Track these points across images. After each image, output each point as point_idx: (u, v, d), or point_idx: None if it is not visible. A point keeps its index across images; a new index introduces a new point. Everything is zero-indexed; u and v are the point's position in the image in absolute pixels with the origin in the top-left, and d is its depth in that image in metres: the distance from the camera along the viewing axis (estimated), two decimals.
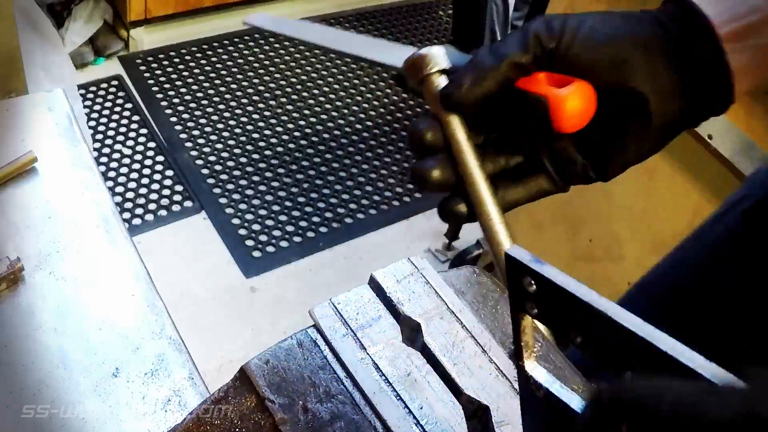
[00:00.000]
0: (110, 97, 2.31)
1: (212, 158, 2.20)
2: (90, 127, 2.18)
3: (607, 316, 0.30)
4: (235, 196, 2.11)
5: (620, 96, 0.45)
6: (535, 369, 0.37)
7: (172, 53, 2.50)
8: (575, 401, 0.34)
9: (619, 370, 0.30)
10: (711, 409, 0.22)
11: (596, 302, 0.31)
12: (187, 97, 2.37)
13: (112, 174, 2.09)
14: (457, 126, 0.47)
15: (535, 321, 0.36)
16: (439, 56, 0.48)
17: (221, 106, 2.37)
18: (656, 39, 0.45)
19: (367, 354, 0.53)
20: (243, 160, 2.22)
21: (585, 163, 0.47)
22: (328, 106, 2.47)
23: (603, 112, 0.46)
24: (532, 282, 0.34)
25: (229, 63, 2.52)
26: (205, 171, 2.16)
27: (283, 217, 2.09)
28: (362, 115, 2.47)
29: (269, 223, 2.07)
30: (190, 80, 2.43)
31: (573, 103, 0.45)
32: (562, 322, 0.33)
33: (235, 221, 2.05)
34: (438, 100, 0.47)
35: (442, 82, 0.48)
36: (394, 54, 0.52)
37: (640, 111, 0.46)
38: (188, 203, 2.06)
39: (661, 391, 0.23)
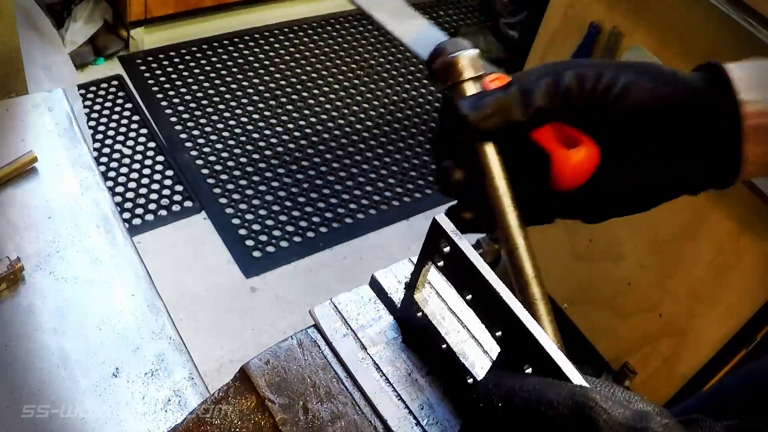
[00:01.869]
0: (110, 97, 2.31)
1: (212, 158, 2.20)
2: (90, 127, 2.18)
3: (492, 287, 0.42)
4: (235, 196, 2.11)
5: (627, 158, 0.45)
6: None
7: (172, 53, 2.50)
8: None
9: (492, 329, 0.43)
10: (549, 394, 0.35)
11: (488, 275, 0.43)
12: (187, 97, 2.37)
13: (112, 174, 2.09)
14: (490, 150, 0.46)
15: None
16: (472, 61, 0.46)
17: (221, 106, 2.36)
18: (685, 110, 0.44)
19: (368, 354, 0.53)
20: (243, 160, 2.22)
21: (572, 211, 0.49)
22: (328, 106, 2.47)
23: (605, 172, 0.45)
24: (447, 245, 0.45)
25: (229, 63, 2.52)
26: (205, 171, 2.16)
27: (283, 217, 2.09)
28: (362, 115, 2.47)
29: (269, 223, 2.07)
30: (190, 80, 2.43)
31: (577, 166, 0.44)
32: (459, 279, 0.46)
33: (235, 221, 2.05)
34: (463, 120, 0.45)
35: (470, 90, 0.46)
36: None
37: (644, 175, 0.45)
38: (188, 203, 2.06)
39: (523, 383, 0.37)
